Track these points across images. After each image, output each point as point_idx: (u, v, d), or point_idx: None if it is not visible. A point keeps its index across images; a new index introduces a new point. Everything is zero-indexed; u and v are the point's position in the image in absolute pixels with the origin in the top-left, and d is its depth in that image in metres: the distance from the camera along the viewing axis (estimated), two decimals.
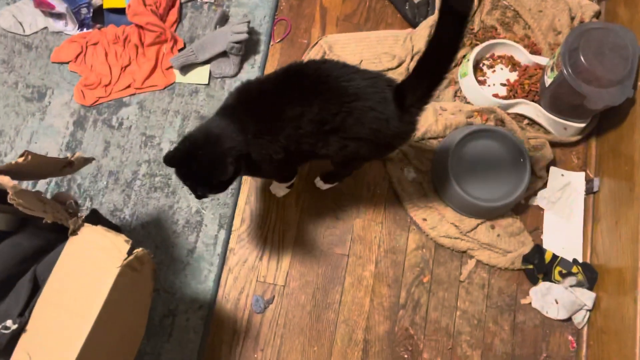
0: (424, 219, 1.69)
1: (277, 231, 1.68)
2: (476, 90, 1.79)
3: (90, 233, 1.14)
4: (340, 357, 1.57)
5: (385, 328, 1.60)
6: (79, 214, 1.40)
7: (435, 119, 1.75)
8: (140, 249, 1.12)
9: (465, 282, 1.65)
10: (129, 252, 1.10)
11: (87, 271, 1.11)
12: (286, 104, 1.19)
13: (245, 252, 1.66)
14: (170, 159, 1.16)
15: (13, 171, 1.11)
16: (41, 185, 1.67)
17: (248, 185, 1.72)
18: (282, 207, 1.70)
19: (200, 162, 1.16)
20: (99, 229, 1.14)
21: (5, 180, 1.04)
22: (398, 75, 1.82)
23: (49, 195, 1.64)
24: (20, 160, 1.06)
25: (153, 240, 1.64)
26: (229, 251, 1.65)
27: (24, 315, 1.10)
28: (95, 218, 1.40)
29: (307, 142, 1.23)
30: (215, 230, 1.66)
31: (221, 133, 1.17)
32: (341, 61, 1.24)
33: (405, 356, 1.58)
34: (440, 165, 1.69)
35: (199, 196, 1.24)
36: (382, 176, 1.75)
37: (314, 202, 1.71)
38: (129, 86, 1.79)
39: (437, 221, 1.69)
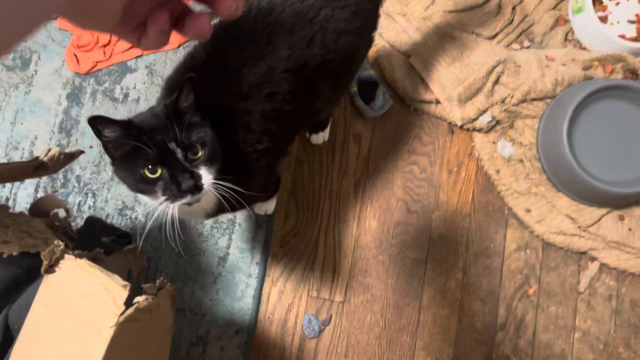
0: (528, 210, 1.26)
1: (331, 230, 1.29)
2: (596, 31, 1.31)
3: (72, 271, 0.78)
4: None
5: (479, 356, 1.21)
6: (68, 230, 1.04)
7: (541, 73, 1.29)
8: (143, 297, 0.75)
9: (585, 293, 1.23)
10: (128, 301, 0.74)
11: (69, 328, 0.75)
12: (240, 67, 0.80)
13: (292, 258, 1.28)
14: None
15: None
16: (30, 181, 1.31)
17: (291, 172, 1.32)
18: (336, 199, 1.30)
19: None
20: (85, 264, 0.77)
21: None
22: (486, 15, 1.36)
23: (41, 196, 1.29)
24: None
25: (174, 247, 1.27)
26: (270, 258, 1.28)
27: None
28: (89, 232, 1.04)
29: (294, 107, 0.85)
30: (252, 231, 1.28)
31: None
32: None
33: None
34: (551, 136, 1.24)
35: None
36: (468, 152, 1.32)
37: (377, 189, 1.30)
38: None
39: (546, 212, 1.26)
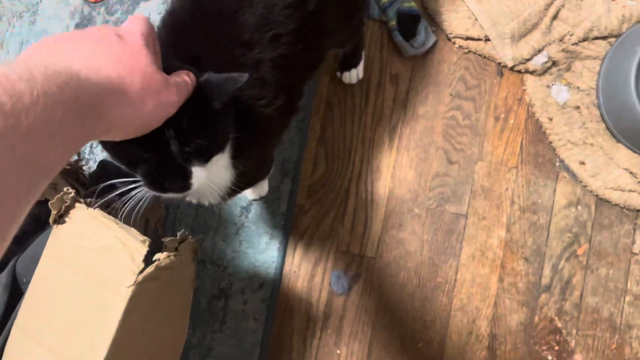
0: (582, 163, 1.14)
1: (363, 180, 1.18)
2: None
3: (84, 222, 0.69)
4: (456, 357, 1.13)
5: (520, 318, 1.13)
6: (80, 174, 0.95)
7: (607, 8, 1.13)
8: (164, 254, 0.66)
9: None
10: (148, 258, 0.65)
11: (82, 286, 0.66)
12: (236, 10, 0.65)
13: (320, 210, 1.18)
14: None
15: None
16: None
17: (320, 117, 1.20)
18: (369, 146, 1.19)
19: None
20: (98, 214, 0.68)
21: None
22: None
23: None
24: None
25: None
26: (297, 209, 1.18)
27: None
28: (103, 177, 0.95)
29: (302, 48, 0.71)
30: (278, 179, 1.18)
31: None
32: None
33: (549, 357, 1.12)
34: (615, 80, 1.10)
35: None
36: (517, 97, 1.19)
37: (414, 137, 1.19)
38: None
39: (602, 165, 1.14)
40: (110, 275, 0.63)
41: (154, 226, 1.12)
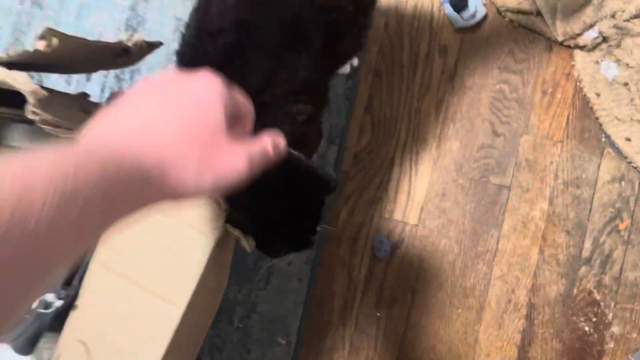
0: (628, 139, 1.15)
1: (408, 149, 1.21)
2: None
3: None
4: (494, 324, 1.16)
5: (559, 289, 1.15)
6: None
7: None
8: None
9: None
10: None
11: (165, 228, 0.70)
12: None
13: (365, 177, 1.21)
14: None
15: (36, 63, 0.68)
16: (94, 78, 1.26)
17: (368, 86, 1.23)
18: (416, 116, 1.21)
19: None
20: None
21: (22, 81, 0.61)
22: None
23: (107, 97, 1.24)
24: (42, 46, 0.62)
25: None
26: (342, 175, 1.22)
27: (71, 284, 0.74)
28: None
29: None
30: (324, 145, 1.21)
31: None
32: None
33: (587, 328, 1.14)
34: None
35: None
36: (566, 72, 1.19)
37: (461, 109, 1.20)
38: None
39: None
40: (198, 217, 0.66)
41: None
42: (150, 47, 0.85)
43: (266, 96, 0.68)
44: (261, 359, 1.19)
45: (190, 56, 0.71)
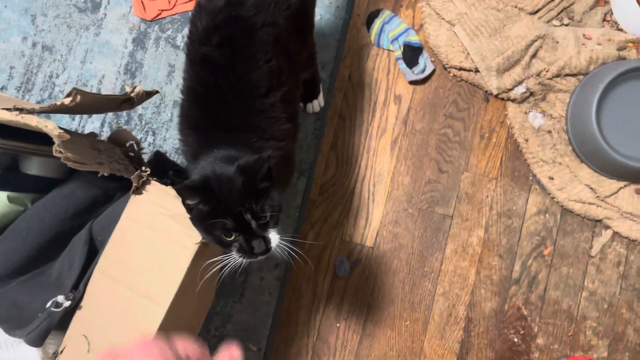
0: (551, 178, 1.36)
1: (366, 182, 1.41)
2: (633, 14, 1.37)
3: (158, 194, 0.91)
4: (436, 335, 1.34)
5: (492, 305, 1.34)
6: (141, 160, 1.17)
7: (577, 50, 1.36)
8: None
9: (596, 257, 1.35)
10: None
11: (156, 240, 0.88)
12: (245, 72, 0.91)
13: (329, 205, 1.40)
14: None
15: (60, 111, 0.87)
16: (97, 116, 1.44)
17: (333, 127, 1.43)
18: (373, 154, 1.42)
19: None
20: (170, 190, 0.90)
21: (51, 127, 0.80)
22: None
23: (106, 130, 1.42)
24: (67, 101, 0.81)
25: None
26: (310, 203, 1.41)
27: (77, 288, 0.91)
28: (160, 164, 1.17)
29: (287, 77, 0.97)
30: (295, 177, 1.40)
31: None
32: None
33: (515, 340, 1.33)
34: (581, 110, 1.33)
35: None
36: (500, 120, 1.41)
37: (412, 149, 1.41)
38: None
39: (568, 181, 1.36)
40: (181, 234, 0.84)
41: None
42: (148, 95, 1.04)
43: None
44: None
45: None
